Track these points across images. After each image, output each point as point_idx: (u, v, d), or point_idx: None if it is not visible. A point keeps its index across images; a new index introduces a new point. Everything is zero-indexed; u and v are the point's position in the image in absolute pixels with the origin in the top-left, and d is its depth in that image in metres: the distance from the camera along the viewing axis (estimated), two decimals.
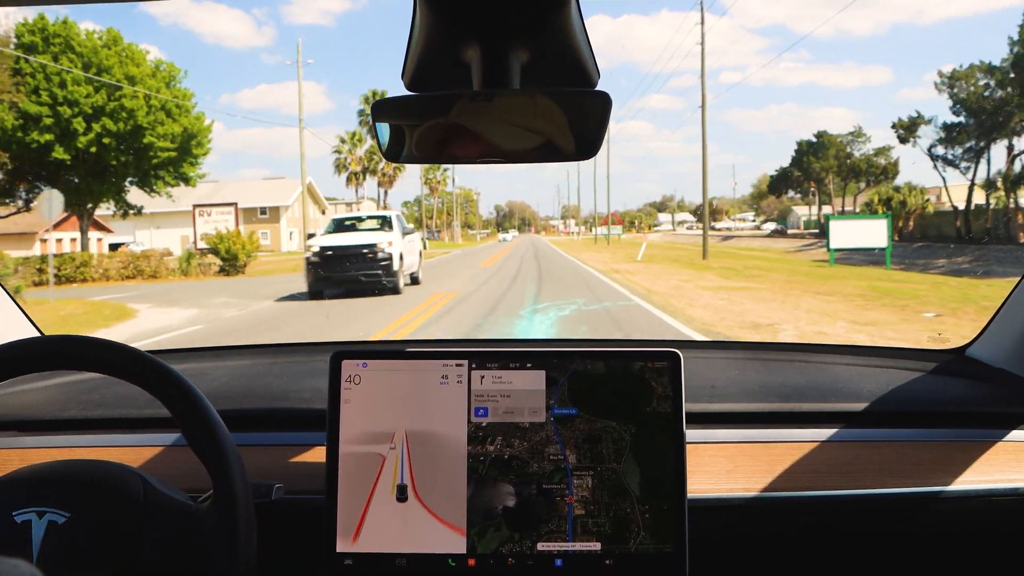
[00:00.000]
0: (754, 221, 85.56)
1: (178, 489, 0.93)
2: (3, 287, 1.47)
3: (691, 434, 1.10)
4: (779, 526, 1.11)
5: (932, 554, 1.14)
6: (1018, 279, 1.32)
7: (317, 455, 1.16)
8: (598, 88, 1.02)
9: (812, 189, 49.52)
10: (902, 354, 1.50)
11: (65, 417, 1.28)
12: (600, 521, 1.01)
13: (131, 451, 1.19)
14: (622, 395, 1.04)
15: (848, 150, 45.73)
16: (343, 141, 53.65)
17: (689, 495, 1.02)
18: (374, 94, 47.78)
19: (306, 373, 1.47)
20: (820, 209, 49.20)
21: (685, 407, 1.03)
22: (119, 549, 0.84)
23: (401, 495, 1.02)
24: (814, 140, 47.04)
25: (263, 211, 53.78)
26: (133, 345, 0.91)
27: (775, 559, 1.14)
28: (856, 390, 1.28)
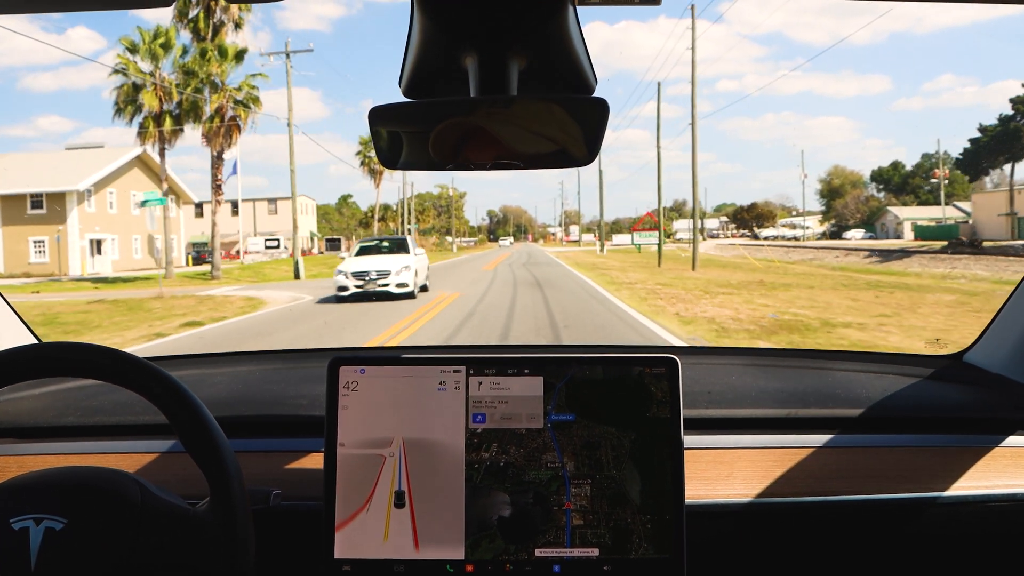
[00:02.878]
0: (807, 227, 65.39)
1: (176, 495, 0.93)
2: (1, 295, 1.47)
3: (689, 440, 1.10)
4: (777, 532, 1.11)
5: (930, 559, 1.14)
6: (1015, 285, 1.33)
7: (315, 461, 1.16)
8: (595, 95, 1.03)
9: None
10: (900, 360, 1.50)
11: (63, 424, 1.28)
12: (600, 532, 1.01)
13: (129, 457, 1.19)
14: (620, 401, 1.04)
15: None
16: (131, 49, 25.17)
17: (687, 501, 1.02)
18: None
19: (304, 379, 1.46)
20: (1013, 203, 31.26)
21: (683, 413, 1.03)
22: (117, 555, 0.84)
23: (399, 501, 1.02)
24: None
25: (36, 202, 29.56)
26: (130, 352, 0.91)
27: (773, 565, 1.14)
28: (854, 396, 1.28)
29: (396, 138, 0.95)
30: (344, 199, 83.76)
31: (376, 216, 59.79)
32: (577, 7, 0.91)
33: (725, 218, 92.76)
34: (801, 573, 1.14)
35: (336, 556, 1.01)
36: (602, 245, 51.51)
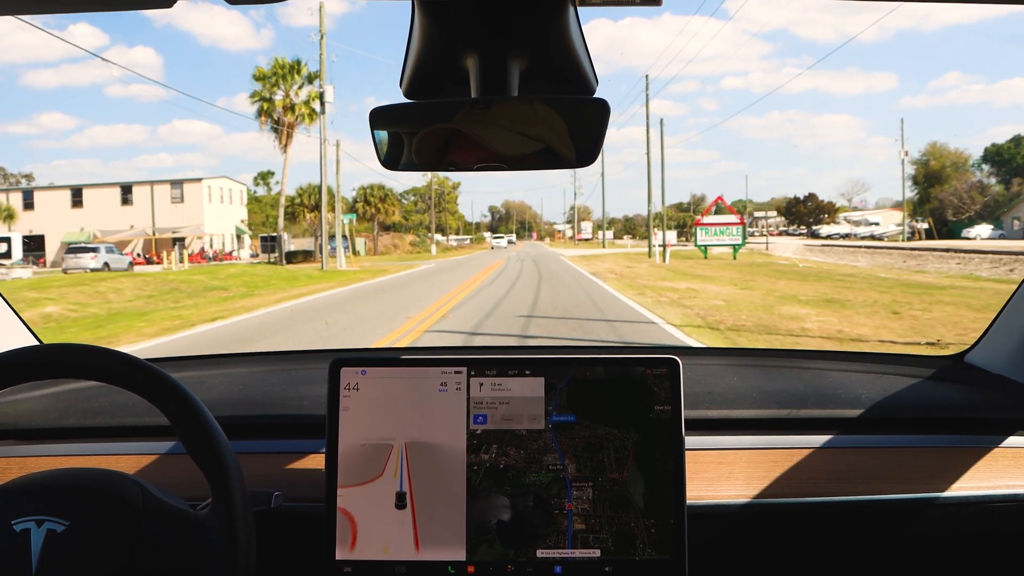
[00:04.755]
0: (875, 223, 50.20)
1: (177, 497, 0.93)
2: (2, 296, 1.47)
3: (689, 440, 1.10)
4: (777, 532, 1.11)
5: (930, 560, 1.14)
6: (1017, 285, 1.33)
7: (316, 462, 1.16)
8: (596, 95, 1.03)
9: None
10: (900, 360, 1.50)
11: (64, 425, 1.28)
12: (602, 536, 1.00)
13: (130, 459, 1.19)
14: (621, 402, 1.03)
15: None
16: None
17: (688, 502, 1.02)
18: None
19: (305, 380, 1.46)
20: None
21: (684, 413, 1.03)
22: (118, 557, 0.84)
23: (400, 502, 1.02)
24: None
25: None
26: (132, 353, 0.91)
27: (773, 565, 1.14)
28: (854, 396, 1.28)
29: (397, 139, 0.95)
30: (263, 176, 53.46)
31: (283, 200, 35.90)
32: (578, 7, 0.92)
33: (775, 211, 74.56)
34: (802, 573, 1.14)
35: (337, 557, 1.01)
36: (665, 251, 26.85)
